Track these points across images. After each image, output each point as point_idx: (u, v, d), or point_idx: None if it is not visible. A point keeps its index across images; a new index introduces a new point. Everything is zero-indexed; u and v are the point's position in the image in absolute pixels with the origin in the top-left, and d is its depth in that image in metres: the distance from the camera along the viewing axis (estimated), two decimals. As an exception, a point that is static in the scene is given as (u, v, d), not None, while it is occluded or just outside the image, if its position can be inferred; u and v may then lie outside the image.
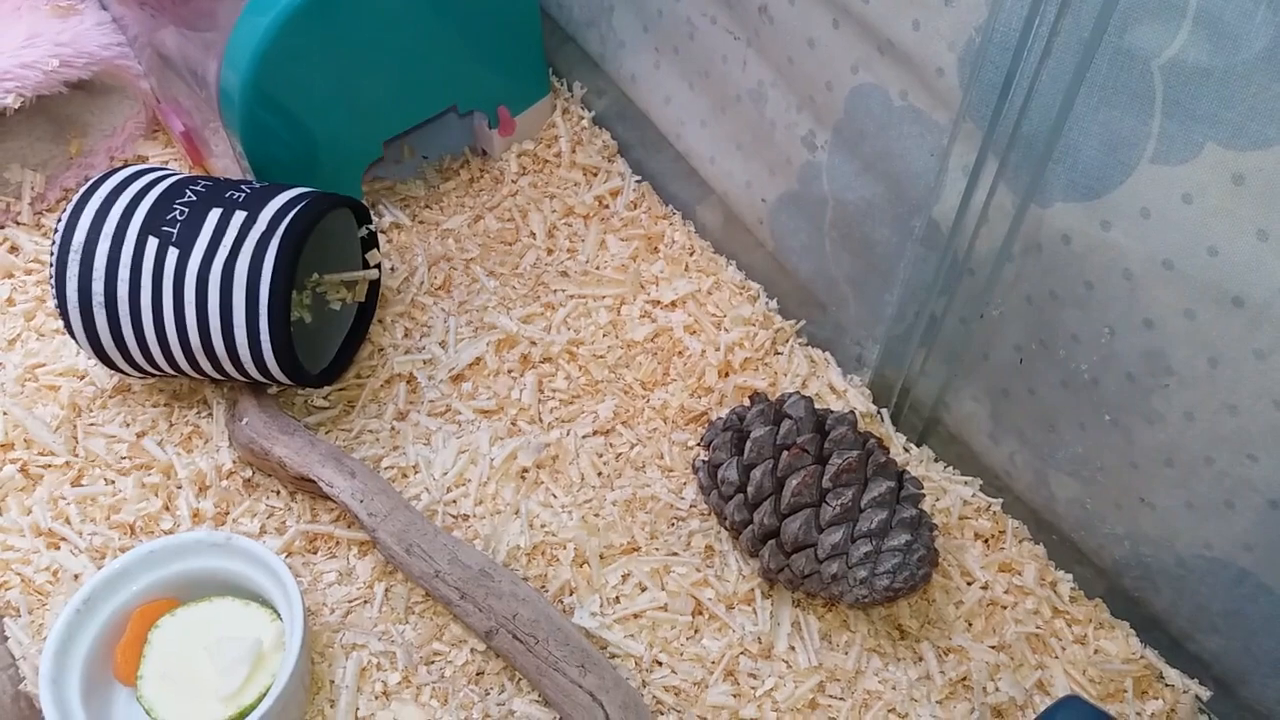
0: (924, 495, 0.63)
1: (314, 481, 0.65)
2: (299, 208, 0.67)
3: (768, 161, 0.75)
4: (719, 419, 0.67)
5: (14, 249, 0.84)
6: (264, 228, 0.65)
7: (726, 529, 0.67)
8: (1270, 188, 0.45)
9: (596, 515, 0.68)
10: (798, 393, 0.66)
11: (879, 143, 0.63)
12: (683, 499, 0.69)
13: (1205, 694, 0.61)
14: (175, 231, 0.65)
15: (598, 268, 0.82)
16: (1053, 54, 0.51)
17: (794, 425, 0.62)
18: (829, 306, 0.76)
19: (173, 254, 0.65)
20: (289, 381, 0.69)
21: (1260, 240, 0.46)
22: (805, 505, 0.60)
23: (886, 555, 0.59)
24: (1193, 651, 0.62)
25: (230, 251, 0.65)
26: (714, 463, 0.65)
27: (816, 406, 0.65)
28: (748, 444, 0.63)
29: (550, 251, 0.83)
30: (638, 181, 0.88)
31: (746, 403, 0.67)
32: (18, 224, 0.85)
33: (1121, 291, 0.53)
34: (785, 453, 0.61)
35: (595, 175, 0.89)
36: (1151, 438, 0.57)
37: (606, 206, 0.87)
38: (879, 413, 0.74)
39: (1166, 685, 0.62)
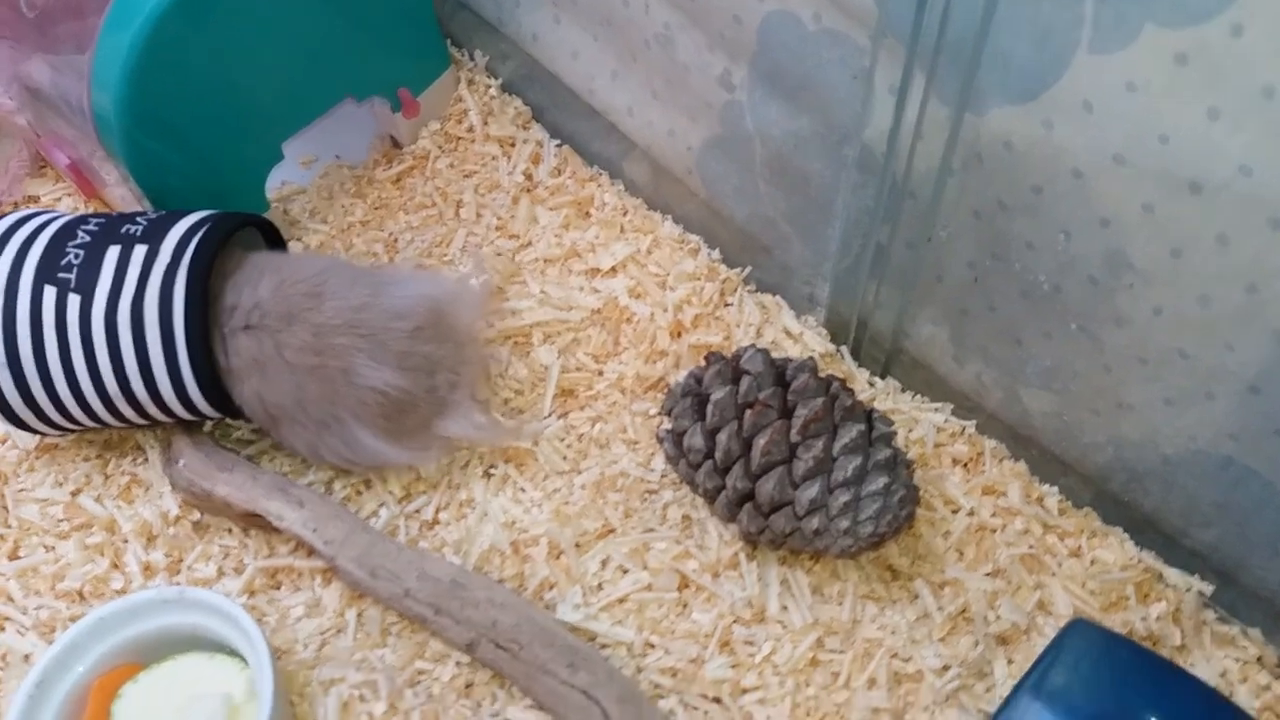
0: (896, 433, 0.61)
1: (263, 516, 0.62)
2: (202, 232, 0.62)
3: (687, 107, 0.71)
4: (677, 384, 0.64)
5: (-91, 316, 0.78)
6: (168, 260, 0.61)
7: (700, 496, 0.64)
8: (1215, 63, 0.42)
9: (566, 503, 0.65)
10: (753, 345, 0.64)
11: (798, 72, 0.60)
12: (652, 470, 0.67)
13: (1208, 589, 0.60)
14: (73, 277, 0.61)
15: (530, 243, 0.78)
16: (966, -48, 0.47)
17: (753, 381, 0.60)
18: (772, 249, 0.73)
19: (74, 301, 0.60)
20: (220, 415, 0.65)
21: (1211, 120, 0.43)
22: (776, 463, 0.58)
23: (866, 501, 0.57)
24: (1189, 547, 0.61)
25: (136, 290, 0.60)
26: (677, 431, 0.62)
27: (774, 356, 0.62)
28: (709, 407, 0.60)
29: (478, 233, 0.80)
30: (558, 146, 0.84)
31: (703, 363, 0.64)
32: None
33: (1072, 192, 0.51)
34: (748, 411, 0.59)
35: (513, 146, 0.85)
36: (1121, 339, 0.55)
37: (529, 176, 0.83)
38: (838, 350, 0.72)
39: (1168, 586, 0.61)
